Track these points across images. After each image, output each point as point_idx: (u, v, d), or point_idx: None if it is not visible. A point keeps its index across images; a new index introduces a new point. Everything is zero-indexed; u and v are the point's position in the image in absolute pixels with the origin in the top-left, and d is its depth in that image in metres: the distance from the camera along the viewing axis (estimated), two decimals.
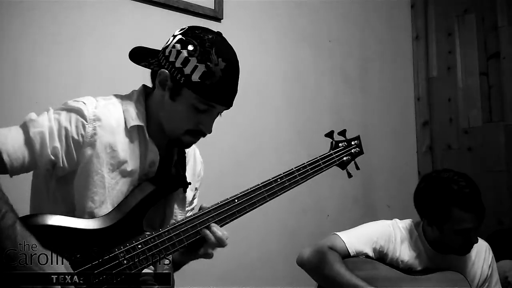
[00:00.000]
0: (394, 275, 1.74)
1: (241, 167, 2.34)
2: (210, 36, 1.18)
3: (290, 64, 2.64)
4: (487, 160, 2.92)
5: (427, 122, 3.23)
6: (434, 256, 1.81)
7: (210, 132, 1.24)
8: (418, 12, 3.29)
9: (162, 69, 1.18)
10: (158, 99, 1.22)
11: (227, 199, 1.26)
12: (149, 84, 1.30)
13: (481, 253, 1.86)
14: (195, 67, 1.15)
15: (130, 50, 1.25)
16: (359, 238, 1.77)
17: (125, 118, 1.20)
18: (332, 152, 1.47)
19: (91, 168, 1.15)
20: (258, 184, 1.30)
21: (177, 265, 1.32)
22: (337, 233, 1.79)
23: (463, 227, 1.69)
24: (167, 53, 1.18)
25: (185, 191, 1.31)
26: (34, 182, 1.23)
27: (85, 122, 1.14)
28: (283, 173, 1.34)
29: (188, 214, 1.39)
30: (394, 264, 1.78)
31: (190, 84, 1.16)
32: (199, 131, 1.23)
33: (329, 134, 1.51)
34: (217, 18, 2.30)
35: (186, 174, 1.32)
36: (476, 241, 1.75)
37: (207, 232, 1.20)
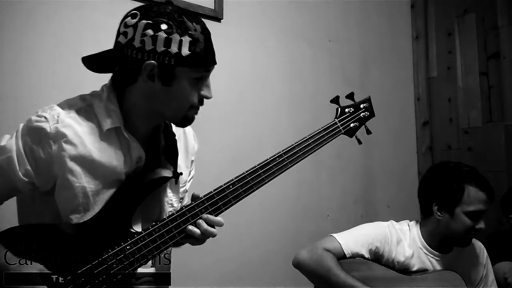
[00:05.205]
0: (390, 275, 1.74)
1: (240, 166, 2.32)
2: (169, 8, 1.14)
3: (290, 64, 2.64)
4: (487, 160, 2.91)
5: (427, 122, 3.23)
6: (431, 256, 1.81)
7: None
8: (418, 12, 3.29)
9: (146, 62, 1.10)
10: (146, 93, 1.15)
11: (221, 186, 1.20)
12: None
13: (476, 253, 1.87)
14: (180, 42, 1.10)
15: (83, 60, 1.18)
16: (354, 239, 1.77)
17: (99, 123, 1.14)
18: (336, 120, 1.37)
19: (68, 183, 1.11)
20: (254, 166, 1.24)
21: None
22: (333, 234, 1.79)
23: (477, 208, 1.71)
24: (138, 45, 1.10)
25: (176, 182, 1.25)
26: (19, 196, 1.21)
27: (50, 141, 1.10)
28: (282, 151, 1.27)
29: (187, 185, 1.36)
30: (390, 265, 1.78)
31: (182, 60, 1.11)
32: (201, 100, 1.19)
33: (335, 100, 1.39)
34: (217, 18, 2.30)
35: (179, 153, 1.27)
36: (483, 228, 1.75)
37: (190, 228, 1.15)
